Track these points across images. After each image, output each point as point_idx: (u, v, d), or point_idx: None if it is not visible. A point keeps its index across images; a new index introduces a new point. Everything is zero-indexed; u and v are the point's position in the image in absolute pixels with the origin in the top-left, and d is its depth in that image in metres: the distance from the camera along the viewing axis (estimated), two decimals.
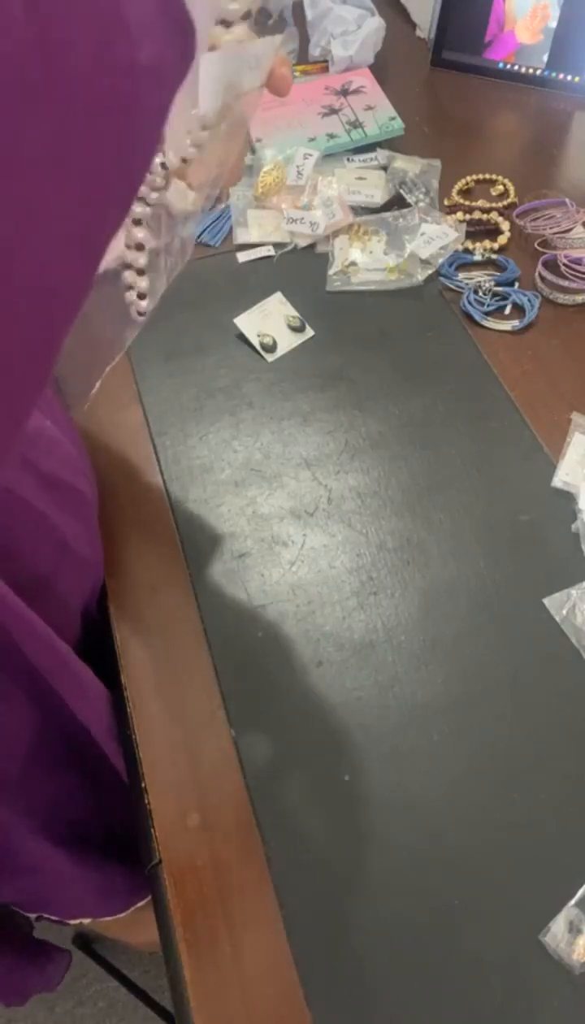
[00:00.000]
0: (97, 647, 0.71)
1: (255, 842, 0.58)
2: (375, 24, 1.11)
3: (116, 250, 0.40)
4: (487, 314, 0.89)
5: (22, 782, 0.68)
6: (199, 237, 0.98)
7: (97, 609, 0.72)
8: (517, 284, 0.91)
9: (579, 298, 0.89)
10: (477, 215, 0.97)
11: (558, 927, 0.54)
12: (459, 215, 0.97)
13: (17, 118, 0.22)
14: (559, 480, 0.76)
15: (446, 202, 1.00)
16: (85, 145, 0.25)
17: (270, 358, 0.87)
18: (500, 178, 1.02)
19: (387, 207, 0.98)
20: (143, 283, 0.39)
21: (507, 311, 0.90)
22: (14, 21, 0.21)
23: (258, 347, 0.87)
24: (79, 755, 0.70)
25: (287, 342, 0.88)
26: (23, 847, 0.71)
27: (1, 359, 0.26)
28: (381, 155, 1.03)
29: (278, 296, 0.90)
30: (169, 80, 0.27)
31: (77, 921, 0.83)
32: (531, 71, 1.14)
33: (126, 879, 0.81)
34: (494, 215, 0.97)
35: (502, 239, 0.95)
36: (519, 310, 0.89)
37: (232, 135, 0.39)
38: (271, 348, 0.87)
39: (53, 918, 0.83)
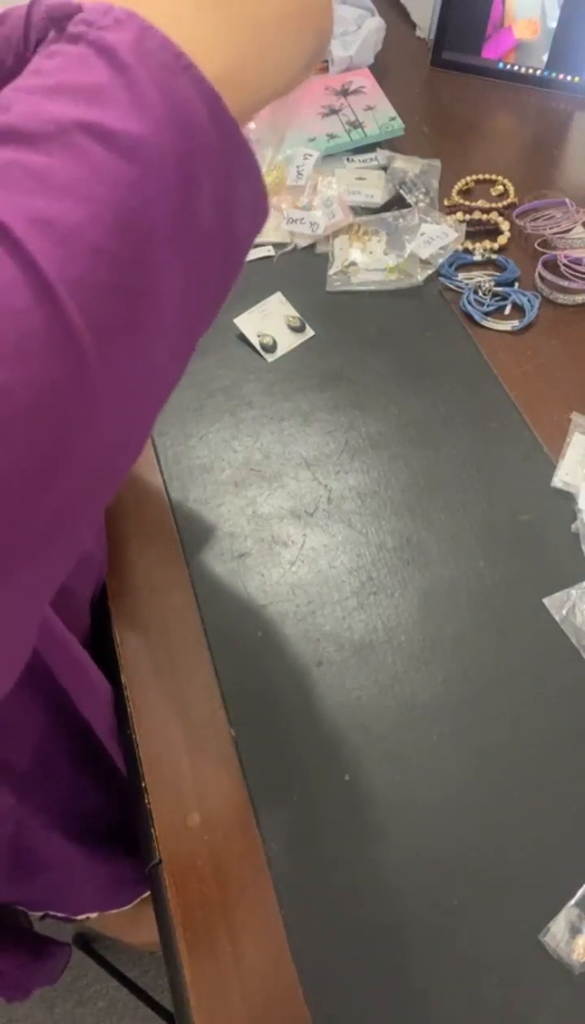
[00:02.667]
0: (97, 646, 0.71)
1: (255, 842, 0.58)
2: (375, 24, 1.11)
3: None
4: (487, 314, 0.89)
5: (37, 777, 0.68)
6: None
7: (97, 608, 0.72)
8: (517, 284, 0.91)
9: (579, 298, 0.89)
10: (477, 215, 0.97)
11: (558, 927, 0.54)
12: (459, 215, 0.97)
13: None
14: (559, 480, 0.76)
15: (446, 202, 1.00)
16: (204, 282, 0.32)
17: (270, 358, 0.87)
18: (500, 178, 1.02)
19: (387, 207, 0.98)
20: None
21: (507, 311, 0.90)
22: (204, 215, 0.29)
23: (258, 347, 0.87)
24: (89, 749, 0.71)
25: (287, 342, 0.88)
26: (38, 844, 0.71)
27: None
28: (381, 155, 1.03)
29: (278, 296, 0.90)
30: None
31: (84, 916, 0.83)
32: (531, 71, 1.14)
33: (131, 870, 0.81)
34: (494, 215, 0.97)
35: (502, 239, 0.95)
36: (519, 310, 0.89)
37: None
38: (271, 348, 0.87)
39: (59, 915, 0.83)
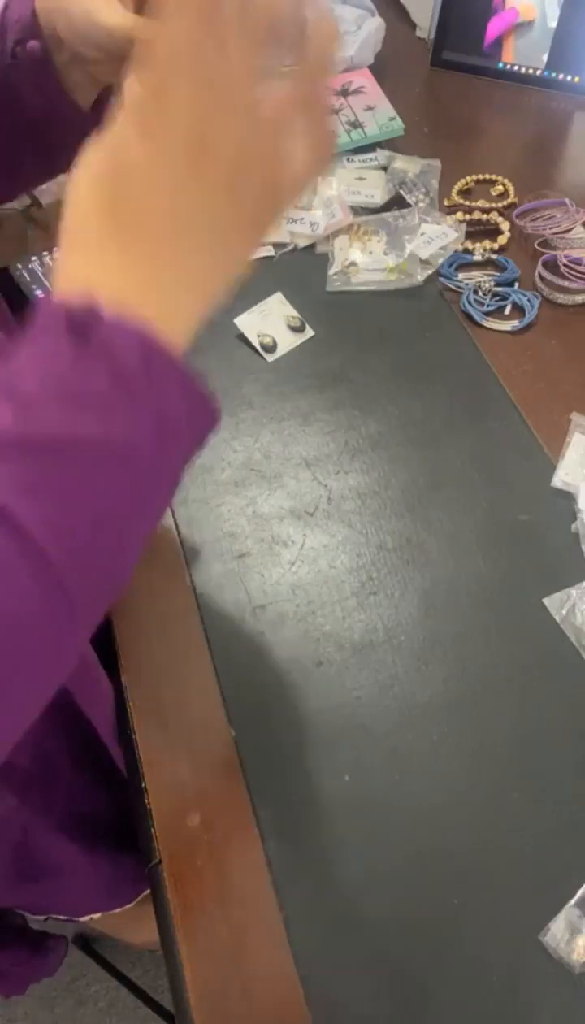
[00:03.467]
0: (97, 646, 0.71)
1: (255, 842, 0.58)
2: (375, 24, 1.11)
3: None
4: (487, 314, 0.89)
5: (38, 777, 0.68)
6: None
7: None
8: (517, 284, 0.91)
9: (579, 298, 0.89)
10: (477, 215, 0.97)
11: (558, 927, 0.54)
12: (459, 215, 0.97)
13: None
14: (559, 480, 0.76)
15: (446, 202, 1.00)
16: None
17: (270, 358, 0.87)
18: (500, 178, 1.02)
19: (387, 207, 0.98)
20: None
21: (507, 311, 0.90)
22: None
23: (258, 347, 0.87)
24: (88, 748, 0.70)
25: (287, 342, 0.88)
26: (42, 847, 0.70)
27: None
28: (381, 155, 1.03)
29: (278, 296, 0.90)
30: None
31: (87, 917, 0.82)
32: (531, 71, 1.14)
33: (132, 868, 0.81)
34: (494, 215, 0.97)
35: (502, 239, 0.95)
36: (519, 310, 0.89)
37: None
38: (271, 348, 0.87)
39: (61, 917, 0.83)
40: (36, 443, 0.30)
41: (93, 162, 0.34)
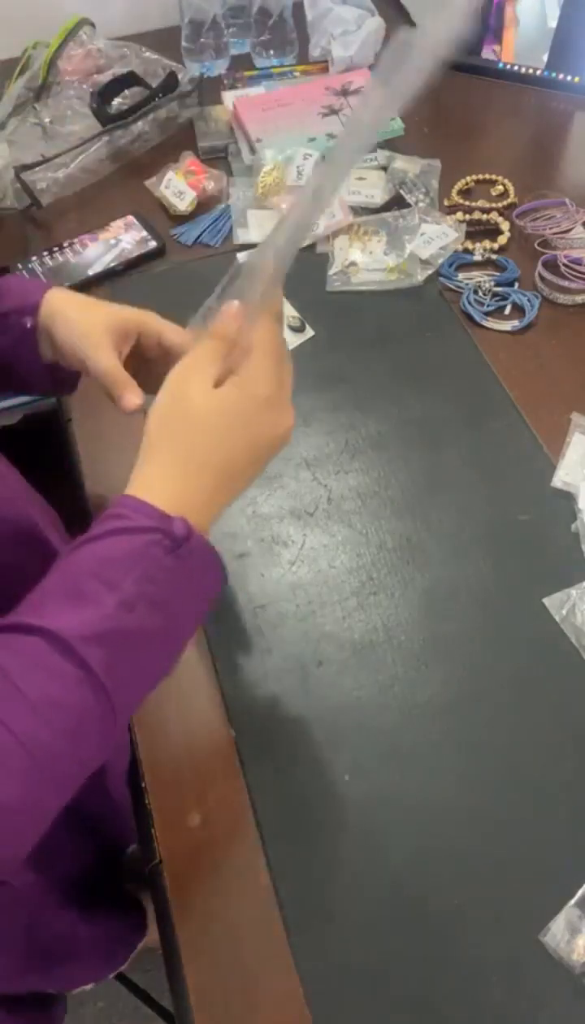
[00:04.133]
0: None
1: (255, 842, 0.58)
2: (375, 24, 1.11)
3: None
4: (487, 314, 0.89)
5: (52, 849, 0.66)
6: (199, 238, 0.98)
7: None
8: (517, 284, 0.91)
9: (579, 298, 0.89)
10: (477, 215, 0.97)
11: (558, 927, 0.54)
12: (459, 215, 0.97)
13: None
14: (559, 480, 0.76)
15: (446, 202, 1.00)
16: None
17: None
18: (500, 178, 1.02)
19: (387, 207, 0.98)
20: None
21: (507, 311, 0.90)
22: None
23: None
24: (91, 813, 0.68)
25: (287, 342, 0.87)
26: (50, 922, 0.68)
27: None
28: (381, 155, 1.03)
29: None
30: None
31: (79, 990, 0.80)
32: (531, 71, 1.14)
33: (126, 930, 0.80)
34: (494, 215, 0.97)
35: (502, 239, 0.95)
36: (519, 310, 0.89)
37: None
38: None
39: (51, 991, 0.80)
40: (128, 630, 0.42)
41: (171, 410, 0.48)
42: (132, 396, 0.57)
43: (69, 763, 0.41)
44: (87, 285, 0.93)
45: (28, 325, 0.60)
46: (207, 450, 0.47)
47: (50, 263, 0.95)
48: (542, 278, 0.90)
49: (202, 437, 0.47)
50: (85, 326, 0.59)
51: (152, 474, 0.47)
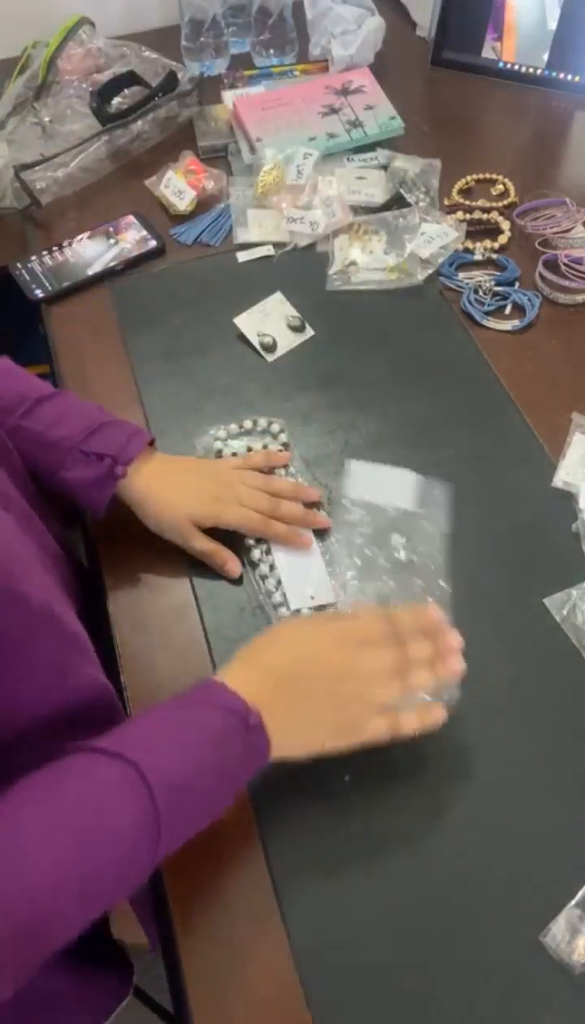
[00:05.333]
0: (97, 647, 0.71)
1: (255, 842, 0.58)
2: (375, 23, 1.11)
3: None
4: (487, 314, 0.89)
5: None
6: (199, 237, 0.98)
7: (98, 608, 0.72)
8: (517, 284, 0.91)
9: (579, 298, 0.89)
10: (477, 215, 0.97)
11: (558, 928, 0.54)
12: (459, 215, 0.97)
13: None
14: (559, 480, 0.76)
15: (446, 202, 1.00)
16: None
17: (270, 358, 0.86)
18: (500, 178, 1.02)
19: (387, 207, 0.98)
20: None
21: (507, 311, 0.90)
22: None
23: (258, 347, 0.87)
24: None
25: (287, 342, 0.87)
26: (39, 979, 0.67)
27: None
28: (381, 155, 1.03)
29: (278, 296, 0.90)
30: None
31: None
32: (531, 71, 1.14)
33: (108, 984, 0.77)
34: (494, 215, 0.97)
35: (502, 239, 0.95)
36: (519, 310, 0.89)
37: None
38: (271, 348, 0.87)
39: None
40: (191, 787, 0.50)
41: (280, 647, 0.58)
42: (234, 565, 0.70)
43: (110, 888, 0.48)
44: (87, 285, 0.93)
45: (119, 473, 0.67)
46: (273, 655, 0.57)
47: (50, 263, 0.95)
48: (542, 278, 0.90)
49: (272, 647, 0.58)
50: (162, 527, 0.69)
51: (243, 676, 0.55)
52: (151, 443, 0.72)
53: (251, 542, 0.71)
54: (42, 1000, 0.68)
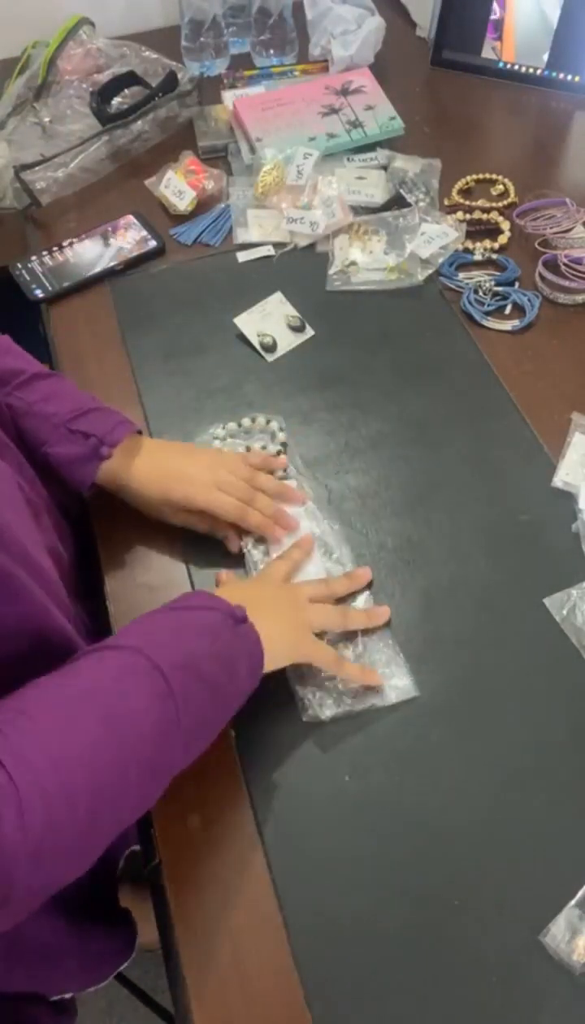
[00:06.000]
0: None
1: (255, 842, 0.58)
2: (375, 24, 1.11)
3: None
4: (487, 314, 0.89)
5: None
6: (199, 237, 0.98)
7: (98, 608, 0.72)
8: (517, 284, 0.91)
9: (579, 298, 0.89)
10: (477, 215, 0.97)
11: (558, 927, 0.54)
12: (459, 215, 0.97)
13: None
14: (559, 480, 0.76)
15: (446, 202, 1.00)
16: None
17: (270, 358, 0.86)
18: (500, 178, 1.02)
19: (387, 207, 0.98)
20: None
21: (507, 311, 0.90)
22: None
23: (258, 347, 0.87)
24: None
25: (287, 342, 0.88)
26: (40, 930, 0.68)
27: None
28: (381, 155, 1.03)
29: (278, 296, 0.90)
30: None
31: (57, 997, 0.79)
32: (531, 71, 1.14)
33: (109, 944, 0.78)
34: (494, 215, 0.97)
35: (502, 239, 0.95)
36: (519, 310, 0.89)
37: None
38: (271, 348, 0.87)
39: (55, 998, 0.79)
40: (197, 668, 0.53)
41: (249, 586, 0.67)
42: (232, 542, 0.72)
43: (152, 759, 0.50)
44: (87, 284, 0.93)
45: (104, 454, 0.68)
46: (236, 593, 0.63)
47: (50, 263, 0.95)
48: (542, 278, 0.90)
49: (230, 592, 0.63)
50: (148, 509, 0.72)
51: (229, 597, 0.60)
52: (139, 433, 0.72)
53: (249, 545, 0.71)
54: (46, 956, 0.69)
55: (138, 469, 0.70)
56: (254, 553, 0.71)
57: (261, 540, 0.72)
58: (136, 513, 0.72)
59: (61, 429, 0.69)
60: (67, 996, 0.78)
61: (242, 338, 0.87)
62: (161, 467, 0.71)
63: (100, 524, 0.74)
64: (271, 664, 0.59)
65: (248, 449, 0.78)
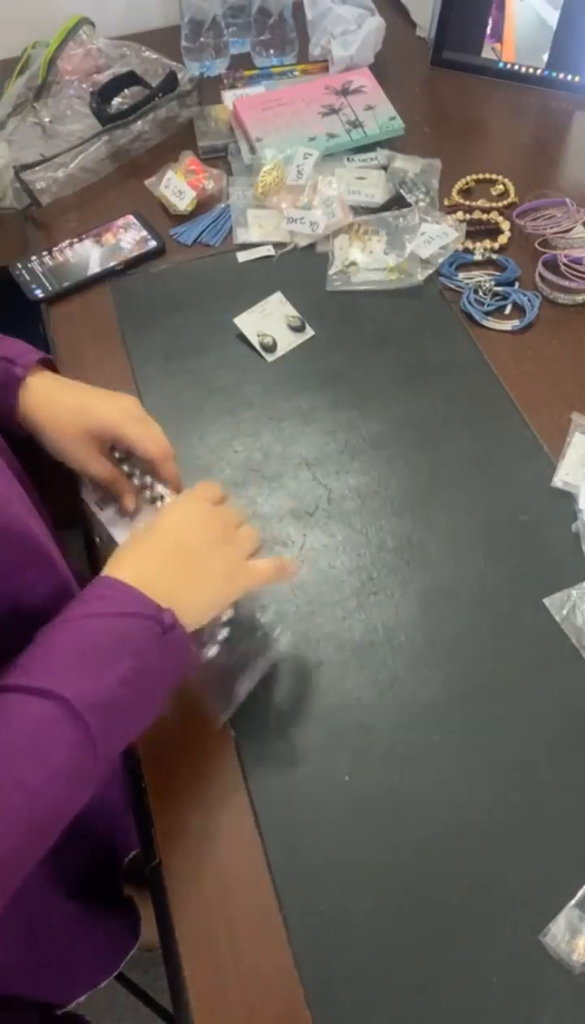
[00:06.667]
0: None
1: (255, 842, 0.58)
2: (375, 24, 1.11)
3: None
4: (487, 314, 0.89)
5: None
6: (199, 237, 0.98)
7: None
8: (517, 284, 0.91)
9: (579, 298, 0.89)
10: (477, 215, 0.97)
11: (558, 927, 0.54)
12: (459, 215, 0.97)
13: None
14: (559, 480, 0.76)
15: (446, 202, 1.00)
16: None
17: (270, 358, 0.87)
18: (500, 178, 1.02)
19: (387, 207, 0.98)
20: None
21: (507, 311, 0.90)
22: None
23: (258, 347, 0.87)
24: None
25: (287, 342, 0.88)
26: (52, 916, 0.69)
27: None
28: (381, 155, 1.03)
29: (278, 296, 0.90)
30: None
31: (73, 1004, 0.79)
32: (531, 71, 1.14)
33: (118, 933, 0.80)
34: (494, 215, 0.97)
35: (502, 239, 0.95)
36: (519, 310, 0.89)
37: None
38: (271, 348, 0.87)
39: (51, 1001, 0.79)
40: (121, 704, 0.49)
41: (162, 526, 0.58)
42: (130, 500, 0.68)
43: (61, 815, 0.48)
44: (87, 285, 0.93)
45: (19, 374, 0.66)
46: (159, 536, 0.58)
47: (50, 263, 0.95)
48: (542, 278, 0.90)
49: (155, 531, 0.58)
50: (64, 443, 0.66)
51: (128, 561, 0.56)
52: (50, 367, 0.70)
53: (93, 503, 0.70)
54: (54, 936, 0.70)
55: (56, 396, 0.67)
56: (105, 513, 0.68)
57: (111, 500, 0.69)
58: None
59: None
60: (73, 1005, 0.78)
61: (242, 338, 0.87)
62: (81, 396, 0.67)
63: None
64: (208, 616, 0.57)
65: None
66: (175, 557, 0.56)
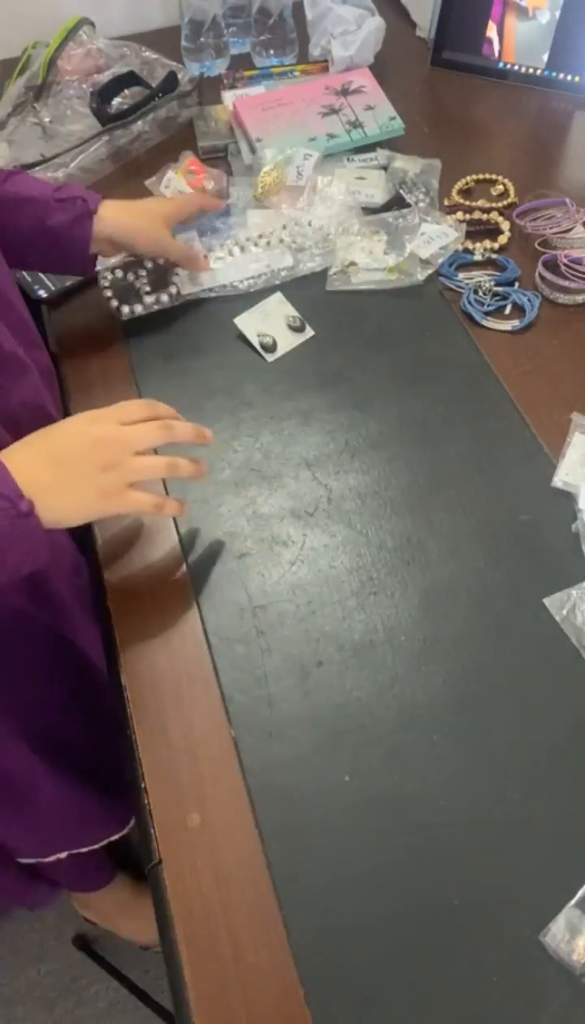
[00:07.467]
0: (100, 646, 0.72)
1: (255, 842, 0.58)
2: (375, 24, 1.11)
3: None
4: (487, 314, 0.89)
5: (19, 689, 0.74)
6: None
7: (98, 607, 0.72)
8: (517, 284, 0.91)
9: (579, 298, 0.89)
10: (477, 215, 0.97)
11: (558, 927, 0.54)
12: (459, 215, 0.97)
13: None
14: (559, 480, 0.76)
15: (446, 202, 1.00)
16: None
17: (270, 358, 0.87)
18: (500, 178, 1.02)
19: (387, 207, 0.98)
20: None
21: (507, 311, 0.90)
22: None
23: (258, 347, 0.87)
24: (77, 672, 0.78)
25: (287, 342, 0.88)
26: (15, 765, 0.76)
27: None
28: (381, 155, 1.03)
29: (278, 296, 0.90)
30: None
31: (54, 857, 0.86)
32: (531, 71, 1.14)
33: (102, 807, 0.86)
34: (494, 215, 0.97)
35: (502, 239, 0.95)
36: (519, 310, 0.89)
37: None
38: (271, 348, 0.87)
39: (28, 860, 0.87)
40: None
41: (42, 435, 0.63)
42: (206, 263, 0.90)
43: None
44: (87, 285, 0.93)
45: (93, 207, 0.79)
46: (54, 436, 0.62)
47: None
48: (542, 278, 0.90)
49: (55, 429, 0.63)
50: (148, 226, 0.84)
51: (17, 450, 0.61)
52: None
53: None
54: (10, 777, 0.78)
55: (125, 211, 0.83)
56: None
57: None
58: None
59: (51, 202, 0.79)
60: (52, 859, 0.86)
61: (242, 338, 0.87)
62: (147, 203, 0.88)
63: (102, 529, 0.74)
64: (69, 524, 0.61)
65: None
66: (51, 461, 0.60)
